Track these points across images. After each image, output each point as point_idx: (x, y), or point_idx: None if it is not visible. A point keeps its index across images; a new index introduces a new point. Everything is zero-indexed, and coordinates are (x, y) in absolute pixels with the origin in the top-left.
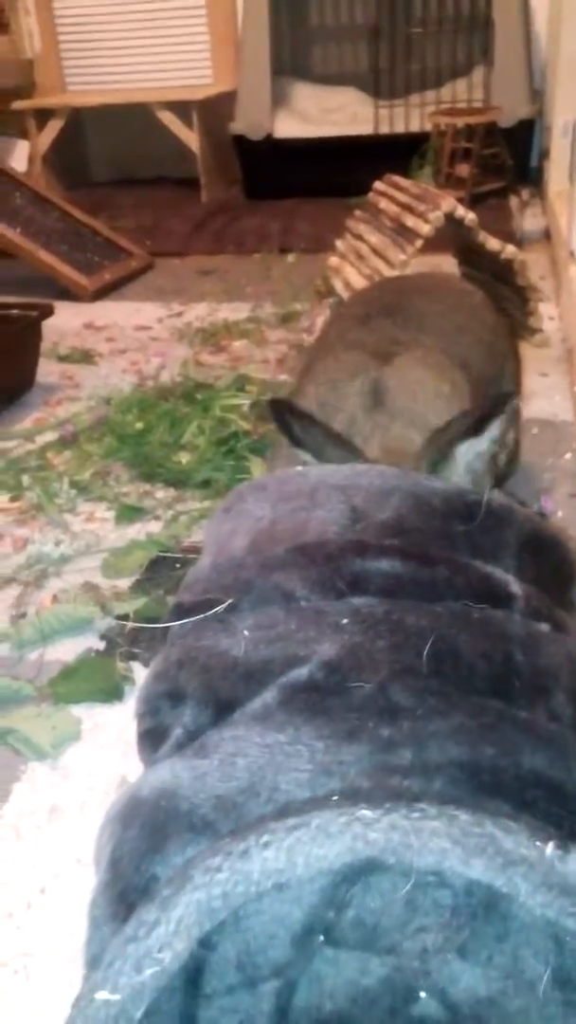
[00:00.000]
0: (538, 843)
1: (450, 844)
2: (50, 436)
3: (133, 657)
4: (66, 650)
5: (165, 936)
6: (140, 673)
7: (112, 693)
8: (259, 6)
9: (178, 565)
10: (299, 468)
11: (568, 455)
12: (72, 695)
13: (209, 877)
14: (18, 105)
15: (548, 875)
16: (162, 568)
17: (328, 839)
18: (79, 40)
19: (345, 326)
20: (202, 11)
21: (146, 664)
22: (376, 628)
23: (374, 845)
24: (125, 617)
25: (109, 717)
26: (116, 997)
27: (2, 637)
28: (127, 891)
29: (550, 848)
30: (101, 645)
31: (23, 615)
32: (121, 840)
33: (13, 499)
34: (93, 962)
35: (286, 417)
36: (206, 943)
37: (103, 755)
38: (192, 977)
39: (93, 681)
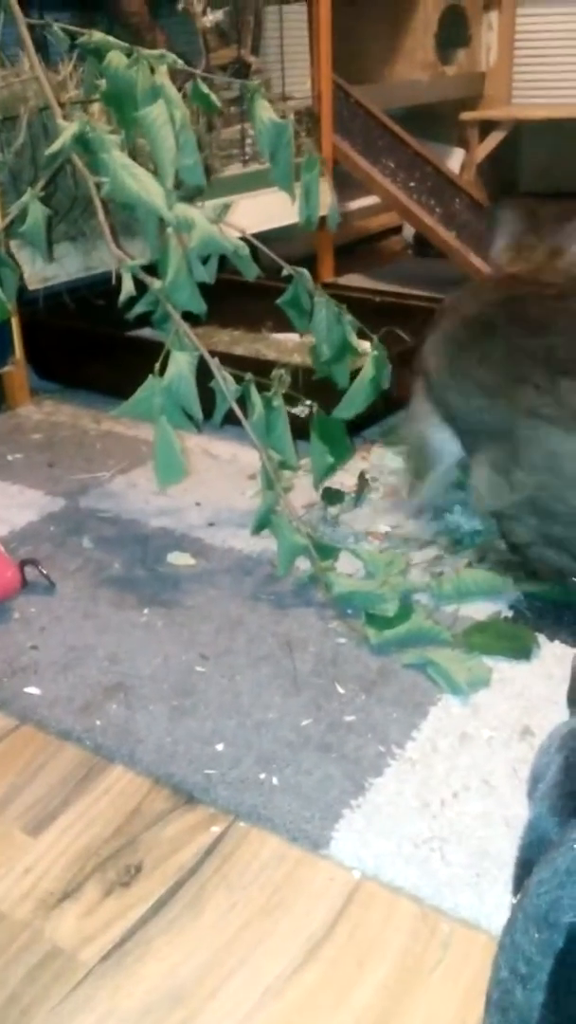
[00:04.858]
0: None
1: None
2: None
3: (538, 629)
4: (477, 610)
5: None
6: (544, 643)
7: (522, 652)
8: None
9: None
10: None
11: None
12: (484, 647)
13: None
14: (466, 116)
15: None
16: None
17: None
18: (533, 55)
19: None
20: None
21: (550, 637)
22: None
23: None
24: (533, 594)
25: (516, 674)
26: None
27: (424, 587)
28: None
29: None
30: (509, 613)
31: (440, 573)
32: (574, 750)
33: None
34: (536, 843)
35: None
36: None
37: (508, 704)
38: None
39: (504, 639)
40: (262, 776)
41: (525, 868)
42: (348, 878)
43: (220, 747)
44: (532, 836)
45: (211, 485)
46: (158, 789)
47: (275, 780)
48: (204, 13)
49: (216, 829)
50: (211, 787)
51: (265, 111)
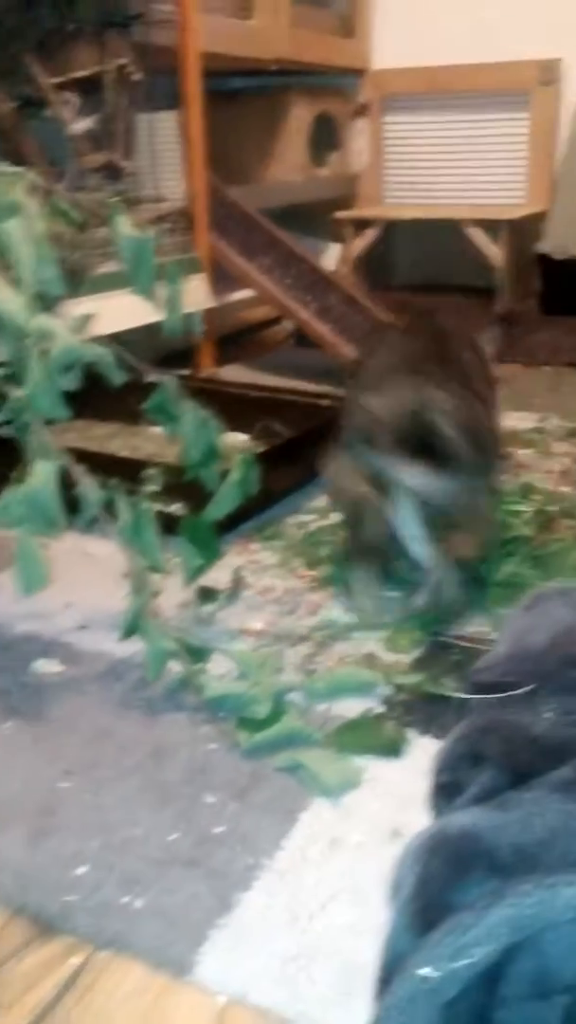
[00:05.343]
0: None
1: None
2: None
3: (409, 725)
4: (349, 707)
5: (478, 937)
6: (415, 739)
7: (391, 750)
8: None
9: (454, 652)
10: None
11: None
12: (354, 746)
13: (521, 899)
14: (340, 215)
15: None
16: (438, 651)
17: None
18: (401, 157)
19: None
20: (524, 137)
21: (421, 732)
22: None
23: None
24: (404, 688)
25: (385, 773)
26: (435, 975)
27: (296, 686)
28: (428, 909)
29: None
30: (381, 708)
31: (314, 671)
32: (427, 865)
33: (310, 568)
34: (394, 960)
35: None
36: (507, 955)
37: (379, 804)
38: (492, 981)
39: (374, 737)
40: (125, 900)
41: (385, 987)
42: (213, 1004)
43: (82, 871)
44: (390, 954)
45: (84, 585)
46: (15, 921)
47: (139, 903)
48: (74, 120)
49: (75, 961)
50: (71, 915)
51: (126, 226)
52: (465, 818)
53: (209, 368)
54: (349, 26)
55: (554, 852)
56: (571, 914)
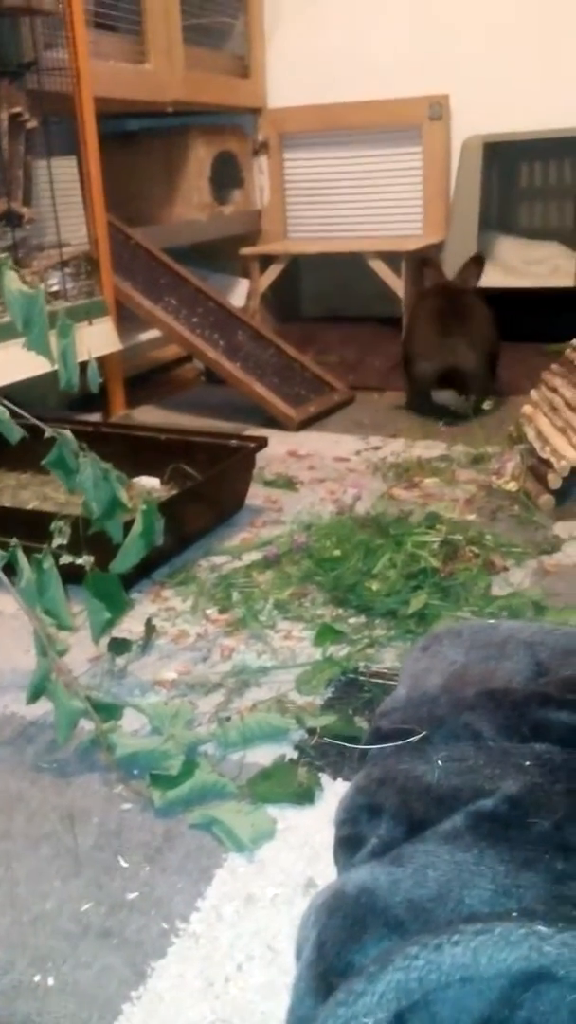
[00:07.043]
0: None
1: None
2: (255, 555)
3: (321, 769)
4: (263, 754)
5: (369, 1005)
6: (327, 783)
7: (304, 798)
8: (473, 169)
9: (365, 689)
10: (492, 621)
11: None
12: (268, 796)
13: (408, 963)
14: (245, 251)
15: None
16: (350, 689)
17: (508, 946)
18: (303, 194)
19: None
20: (419, 172)
21: (333, 776)
22: (555, 772)
23: (547, 957)
24: (315, 732)
25: (300, 821)
26: None
27: (209, 737)
28: (328, 972)
29: None
30: (294, 754)
31: (228, 719)
32: (326, 926)
33: (222, 612)
34: None
35: None
36: (399, 1019)
37: (293, 855)
38: None
39: (287, 785)
40: (37, 978)
41: None
42: None
43: None
44: (293, 1020)
45: None
46: None
47: (51, 981)
48: None
49: None
50: None
51: (14, 283)
52: (362, 875)
53: (121, 410)
54: (244, 66)
55: (447, 905)
56: (458, 975)
